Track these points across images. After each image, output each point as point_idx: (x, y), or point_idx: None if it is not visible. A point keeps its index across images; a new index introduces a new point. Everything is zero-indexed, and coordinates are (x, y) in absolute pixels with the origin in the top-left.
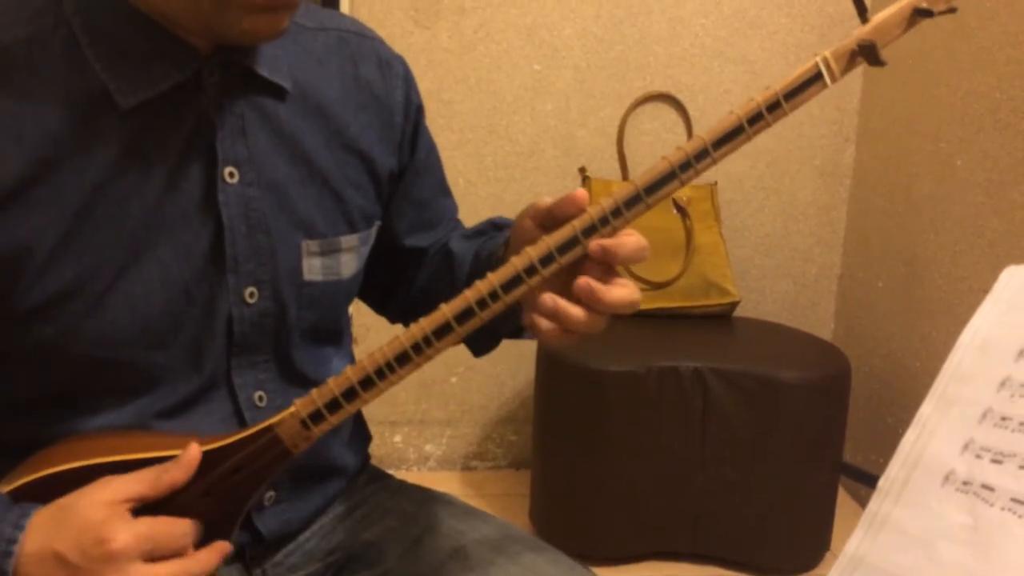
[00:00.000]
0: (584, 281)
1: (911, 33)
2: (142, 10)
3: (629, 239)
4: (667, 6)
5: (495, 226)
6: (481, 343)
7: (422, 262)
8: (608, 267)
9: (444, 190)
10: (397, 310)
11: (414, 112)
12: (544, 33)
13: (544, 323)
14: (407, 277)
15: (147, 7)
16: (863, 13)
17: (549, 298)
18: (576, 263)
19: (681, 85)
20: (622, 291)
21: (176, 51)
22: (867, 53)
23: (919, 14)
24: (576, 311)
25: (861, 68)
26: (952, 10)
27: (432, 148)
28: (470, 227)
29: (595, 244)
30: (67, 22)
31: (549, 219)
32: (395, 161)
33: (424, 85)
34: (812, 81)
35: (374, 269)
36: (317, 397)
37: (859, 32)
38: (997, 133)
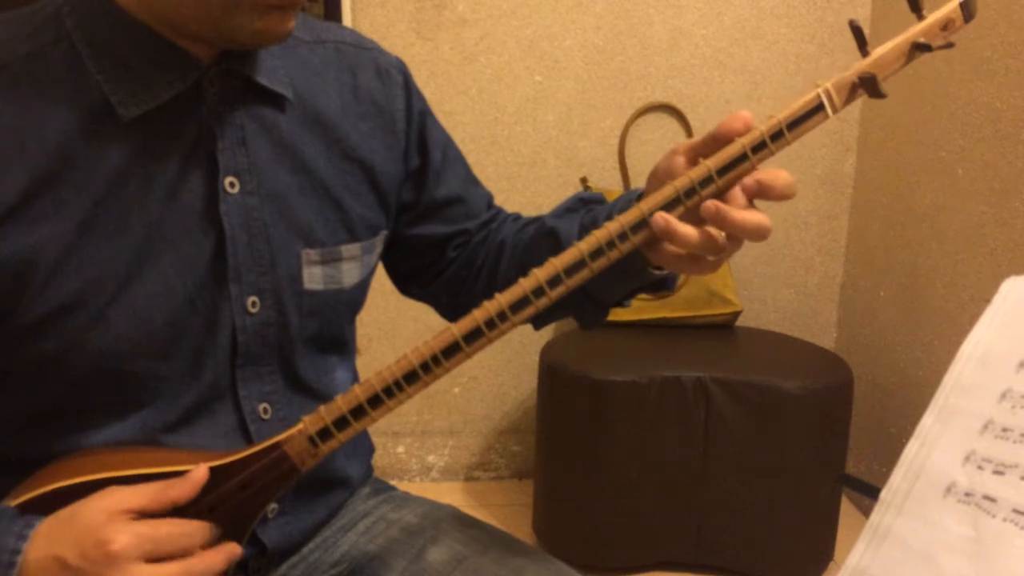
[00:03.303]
0: (711, 203)
1: None
2: (143, 20)
3: (781, 172)
4: (668, 17)
5: (583, 201)
6: (588, 314)
7: (481, 245)
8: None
9: (474, 180)
10: (451, 290)
11: (417, 117)
12: (545, 44)
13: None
14: (459, 260)
15: (150, 17)
16: (863, 46)
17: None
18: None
19: (682, 95)
20: (754, 215)
21: (177, 61)
22: (868, 86)
23: (918, 49)
24: (715, 234)
25: None
26: (950, 45)
27: (448, 145)
28: (558, 207)
29: (750, 179)
30: (68, 36)
31: (709, 146)
32: (401, 168)
33: (425, 96)
34: (814, 112)
35: (420, 257)
36: (325, 414)
37: (860, 65)
38: (997, 142)
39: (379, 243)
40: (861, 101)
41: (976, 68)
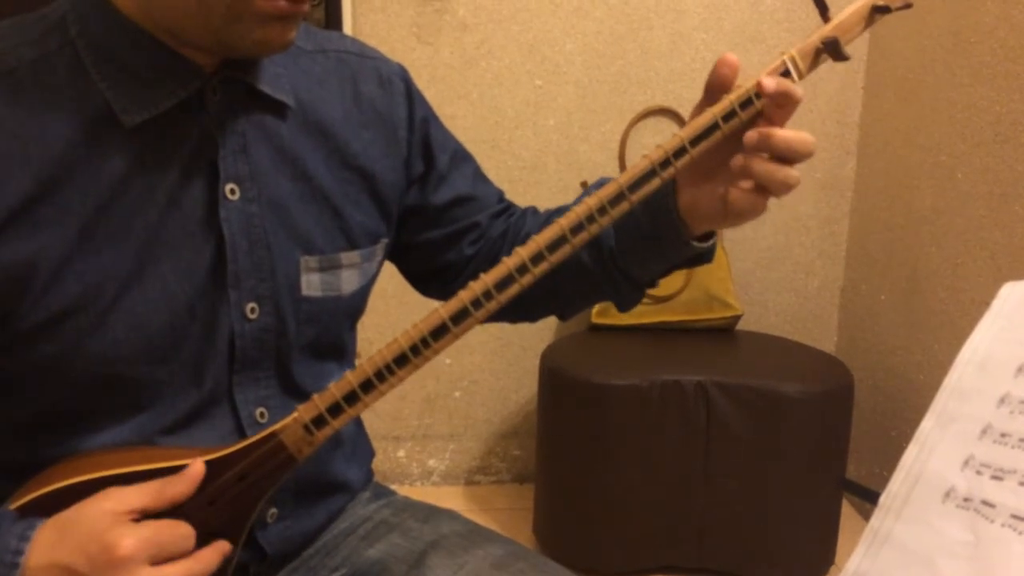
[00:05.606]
0: (752, 131)
1: (910, 47)
2: (147, 28)
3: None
4: (668, 21)
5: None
6: (625, 295)
7: (501, 239)
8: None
9: (483, 178)
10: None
11: (419, 124)
12: (546, 49)
13: (743, 186)
14: (479, 256)
15: (153, 25)
16: (824, 12)
17: (741, 157)
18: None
19: (682, 99)
20: (796, 132)
21: (180, 69)
22: (831, 49)
23: (877, 11)
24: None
25: (861, 81)
26: (908, 6)
27: (457, 149)
28: (582, 195)
29: (753, 133)
30: (72, 43)
31: (708, 98)
32: (402, 177)
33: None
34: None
35: (437, 258)
36: (319, 401)
37: (822, 31)
38: (997, 146)
39: (379, 251)
40: (861, 107)
41: (976, 72)
